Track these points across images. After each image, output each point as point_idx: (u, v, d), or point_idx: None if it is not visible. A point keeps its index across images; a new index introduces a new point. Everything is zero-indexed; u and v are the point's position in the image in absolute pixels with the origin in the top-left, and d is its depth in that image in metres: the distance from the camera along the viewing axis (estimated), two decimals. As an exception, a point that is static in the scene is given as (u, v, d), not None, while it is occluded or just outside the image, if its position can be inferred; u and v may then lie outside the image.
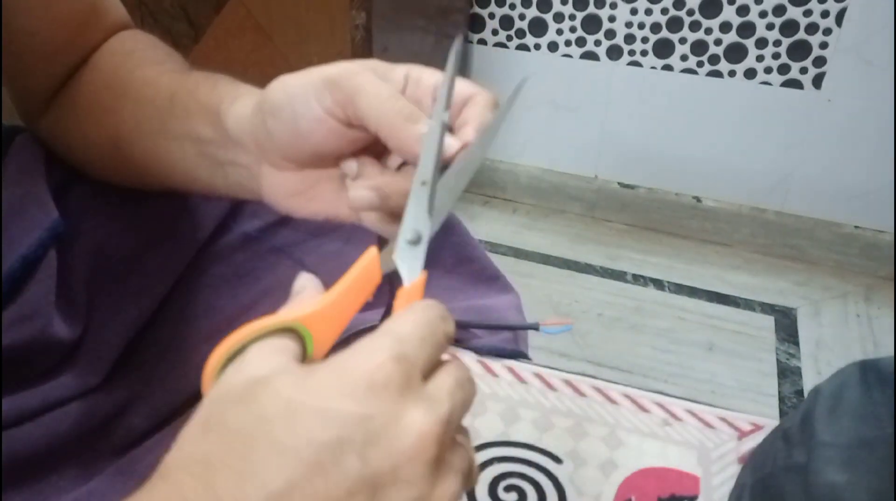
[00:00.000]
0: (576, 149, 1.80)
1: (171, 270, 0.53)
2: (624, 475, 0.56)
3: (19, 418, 0.44)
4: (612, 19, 1.61)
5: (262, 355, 0.29)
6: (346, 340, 0.32)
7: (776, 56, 1.54)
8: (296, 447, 0.26)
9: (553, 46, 1.69)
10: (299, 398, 0.27)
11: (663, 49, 1.61)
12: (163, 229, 0.54)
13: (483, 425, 0.60)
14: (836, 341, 1.50)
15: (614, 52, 1.65)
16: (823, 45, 1.50)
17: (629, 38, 1.62)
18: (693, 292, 1.62)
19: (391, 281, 0.34)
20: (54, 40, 0.50)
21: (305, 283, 0.35)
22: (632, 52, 1.64)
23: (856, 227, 1.66)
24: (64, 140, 0.53)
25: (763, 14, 1.51)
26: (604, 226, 1.82)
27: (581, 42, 1.66)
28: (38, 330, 0.43)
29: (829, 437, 0.44)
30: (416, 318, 0.31)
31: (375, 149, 0.40)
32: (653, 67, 1.64)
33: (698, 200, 1.75)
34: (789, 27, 1.51)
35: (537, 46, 1.70)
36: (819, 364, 1.44)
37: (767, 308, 1.57)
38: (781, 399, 1.36)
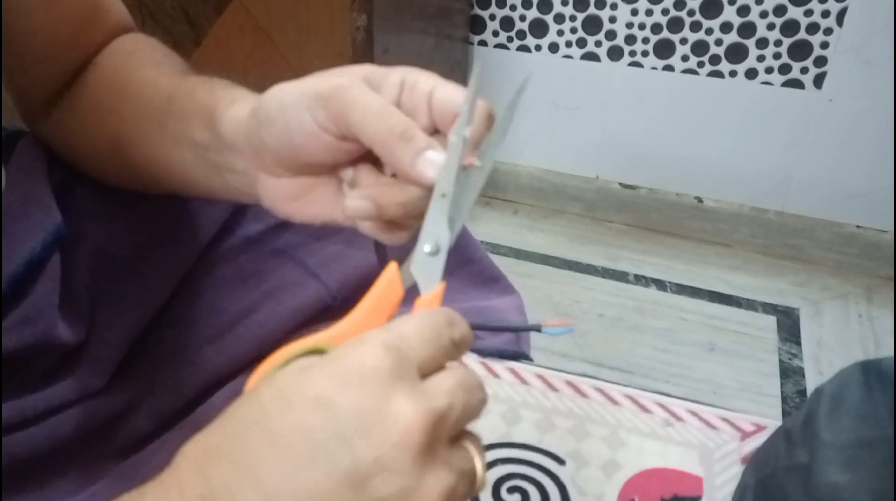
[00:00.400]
0: (576, 149, 1.80)
1: (174, 272, 0.53)
2: (626, 475, 0.56)
3: (22, 421, 0.44)
4: (612, 20, 1.61)
5: (289, 375, 0.30)
6: None
7: (777, 56, 1.54)
8: (287, 435, 0.27)
9: (554, 47, 1.69)
10: (295, 389, 0.28)
11: (664, 50, 1.61)
12: (165, 232, 0.54)
13: (485, 426, 0.60)
14: (837, 341, 1.50)
15: (615, 53, 1.65)
16: (824, 45, 1.50)
17: (630, 39, 1.62)
18: (694, 292, 1.62)
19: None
20: (55, 41, 0.50)
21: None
22: (632, 53, 1.64)
23: (857, 227, 1.66)
24: (65, 142, 0.53)
25: (764, 14, 1.51)
26: (604, 226, 1.82)
27: (582, 43, 1.66)
28: (41, 333, 0.43)
29: (831, 437, 0.44)
30: (418, 319, 0.31)
31: (373, 155, 0.40)
32: (653, 68, 1.64)
33: (699, 200, 1.75)
34: (790, 27, 1.51)
35: (538, 47, 1.70)
36: (821, 364, 1.44)
37: (770, 308, 1.57)
38: (784, 399, 1.36)
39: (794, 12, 1.49)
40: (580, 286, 1.62)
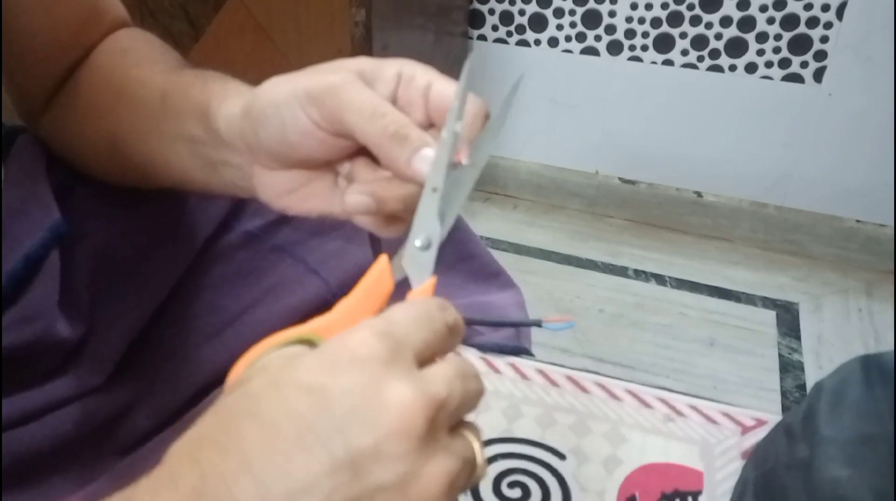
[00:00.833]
0: (576, 145, 1.79)
1: (174, 269, 0.53)
2: (627, 470, 0.56)
3: (21, 418, 0.44)
4: (612, 14, 1.61)
5: (276, 362, 0.30)
6: None
7: (777, 50, 1.54)
8: (278, 422, 0.26)
9: (553, 42, 1.69)
10: (286, 377, 0.28)
11: (664, 44, 1.61)
12: (165, 230, 0.54)
13: (486, 421, 0.60)
14: (837, 336, 1.50)
15: (614, 48, 1.65)
16: (824, 40, 1.50)
17: (629, 34, 1.62)
18: (694, 287, 1.62)
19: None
20: (55, 41, 0.50)
21: None
22: (632, 48, 1.64)
23: (857, 221, 1.65)
24: (63, 140, 0.53)
25: (763, 8, 1.51)
26: (604, 222, 1.82)
27: (581, 37, 1.66)
28: (40, 331, 0.43)
29: (832, 433, 0.44)
30: (408, 305, 0.31)
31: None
32: (653, 62, 1.64)
33: (699, 195, 1.75)
34: (790, 21, 1.50)
35: (537, 42, 1.70)
36: (821, 359, 1.44)
37: (769, 303, 1.57)
38: (783, 394, 1.36)
39: (794, 6, 1.49)
40: (581, 282, 1.62)
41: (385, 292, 0.34)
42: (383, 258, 0.34)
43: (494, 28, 1.71)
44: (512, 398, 0.62)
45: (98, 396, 0.47)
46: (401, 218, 0.39)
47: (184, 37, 1.30)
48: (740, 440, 0.59)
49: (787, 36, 1.52)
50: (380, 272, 0.34)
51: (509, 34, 1.71)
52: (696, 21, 1.56)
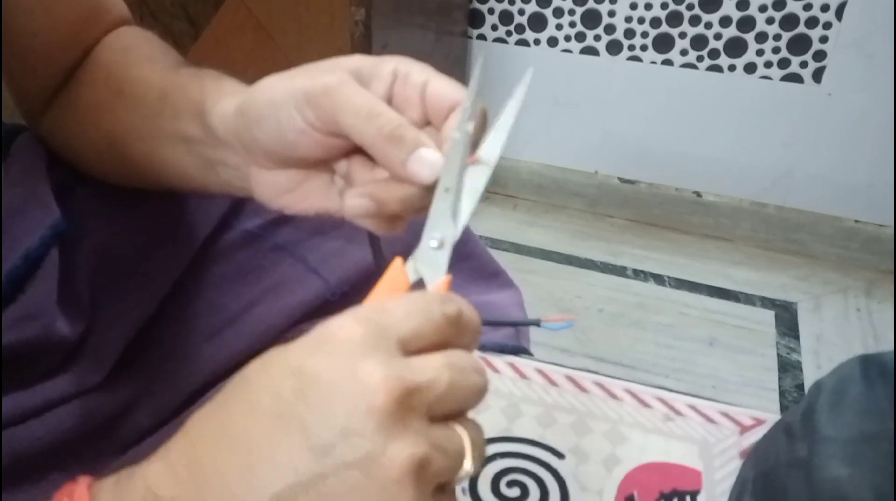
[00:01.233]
0: (576, 144, 1.79)
1: (174, 268, 0.53)
2: (626, 470, 0.57)
3: (21, 416, 0.44)
4: (611, 14, 1.61)
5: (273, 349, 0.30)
6: None
7: (776, 50, 1.54)
8: (262, 399, 0.28)
9: (553, 42, 1.69)
10: (275, 360, 0.29)
11: (663, 44, 1.61)
12: (165, 229, 0.54)
13: (485, 421, 0.60)
14: (836, 335, 1.50)
15: (614, 47, 1.65)
16: (823, 40, 1.50)
17: (629, 33, 1.62)
18: (694, 287, 1.62)
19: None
20: (56, 40, 0.50)
21: None
22: (631, 47, 1.64)
23: (856, 221, 1.66)
24: (64, 139, 0.53)
25: (763, 8, 1.51)
26: (605, 222, 1.82)
27: (581, 37, 1.66)
28: (41, 329, 0.43)
29: (832, 432, 0.44)
30: (406, 297, 0.31)
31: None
32: (653, 62, 1.64)
33: (699, 195, 1.75)
34: (789, 21, 1.50)
35: (537, 42, 1.70)
36: (820, 359, 1.44)
37: (768, 303, 1.57)
38: (782, 394, 1.36)
39: (794, 6, 1.49)
40: (581, 282, 1.62)
41: (401, 293, 0.34)
42: (398, 261, 0.34)
43: (494, 28, 1.71)
44: (511, 398, 0.62)
45: (98, 394, 0.47)
46: (400, 217, 0.39)
47: (184, 36, 1.30)
48: (739, 439, 0.59)
49: (786, 36, 1.52)
50: (396, 274, 0.34)
51: (509, 34, 1.71)
52: (695, 21, 1.56)
